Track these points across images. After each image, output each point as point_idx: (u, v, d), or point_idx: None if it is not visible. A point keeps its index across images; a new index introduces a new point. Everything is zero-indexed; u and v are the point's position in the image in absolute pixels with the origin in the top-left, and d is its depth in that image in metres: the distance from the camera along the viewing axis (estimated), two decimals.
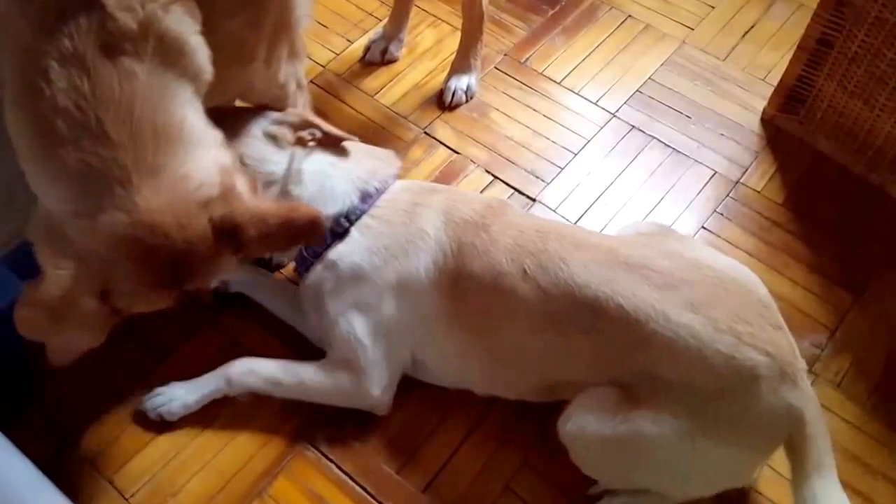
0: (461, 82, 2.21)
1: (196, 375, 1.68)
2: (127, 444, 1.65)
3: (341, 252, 1.57)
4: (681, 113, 2.22)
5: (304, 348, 1.73)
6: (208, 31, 1.26)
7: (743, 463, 1.45)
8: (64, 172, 1.14)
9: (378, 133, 2.17)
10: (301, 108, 1.67)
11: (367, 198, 1.59)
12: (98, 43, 1.11)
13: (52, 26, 1.11)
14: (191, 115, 1.20)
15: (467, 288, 1.52)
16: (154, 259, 1.18)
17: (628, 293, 1.41)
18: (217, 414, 1.68)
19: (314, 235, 1.31)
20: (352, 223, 1.57)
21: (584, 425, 1.45)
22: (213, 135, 1.25)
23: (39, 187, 1.20)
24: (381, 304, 1.56)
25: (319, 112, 1.74)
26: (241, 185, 1.24)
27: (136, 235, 1.15)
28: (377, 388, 1.59)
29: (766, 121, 2.20)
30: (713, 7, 2.48)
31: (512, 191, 2.05)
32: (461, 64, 2.22)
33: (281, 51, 1.51)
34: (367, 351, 1.56)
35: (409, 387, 1.70)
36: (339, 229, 1.57)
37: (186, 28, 1.20)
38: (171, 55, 1.18)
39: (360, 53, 2.33)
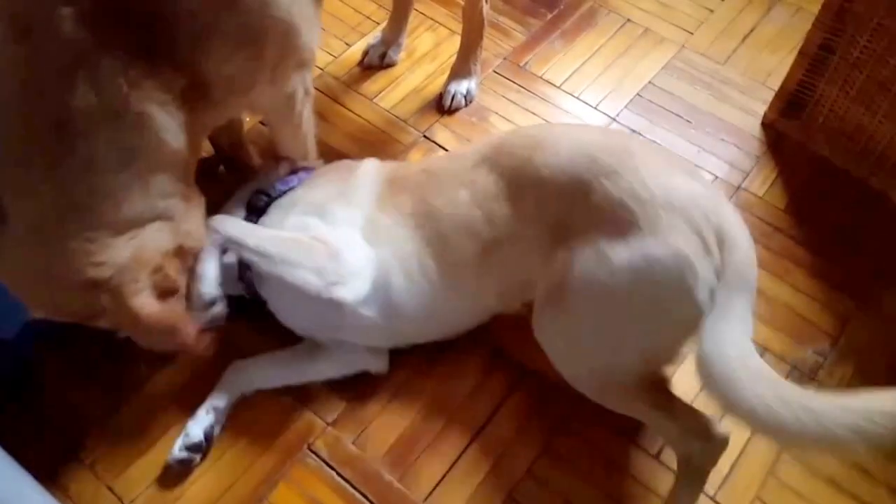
0: (461, 86, 2.20)
1: (194, 380, 1.67)
2: (126, 450, 1.64)
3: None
4: (681, 117, 2.21)
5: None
6: (204, 79, 1.29)
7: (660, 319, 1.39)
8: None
9: (377, 136, 2.16)
10: (307, 115, 1.66)
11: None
12: (53, 119, 1.17)
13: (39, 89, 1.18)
14: (129, 194, 1.24)
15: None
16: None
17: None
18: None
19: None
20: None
21: (543, 316, 1.48)
22: (157, 211, 1.29)
23: None
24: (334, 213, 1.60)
25: (319, 115, 1.73)
26: (146, 280, 1.27)
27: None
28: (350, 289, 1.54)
29: (766, 125, 2.19)
30: (712, 11, 2.47)
31: None
32: (461, 68, 2.21)
33: (287, 67, 1.49)
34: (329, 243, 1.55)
35: (412, 394, 1.71)
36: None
37: (154, 105, 1.22)
38: (128, 134, 1.22)
39: (358, 57, 2.32)
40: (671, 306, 1.36)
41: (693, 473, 1.50)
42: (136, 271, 1.26)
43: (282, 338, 1.72)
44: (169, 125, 1.26)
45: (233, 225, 1.56)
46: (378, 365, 1.71)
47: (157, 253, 1.29)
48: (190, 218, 1.36)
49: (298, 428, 1.67)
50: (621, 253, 1.35)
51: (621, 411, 1.52)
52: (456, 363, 1.76)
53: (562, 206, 1.44)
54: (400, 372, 1.73)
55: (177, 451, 1.60)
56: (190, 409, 1.66)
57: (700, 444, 1.46)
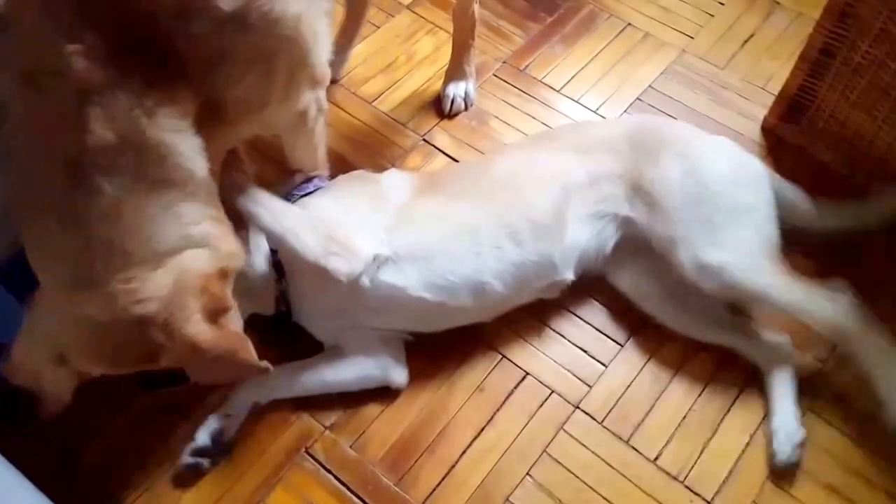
0: (459, 89, 2.20)
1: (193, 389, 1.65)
2: (125, 457, 1.64)
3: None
4: (681, 121, 2.20)
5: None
6: (217, 101, 1.27)
7: None
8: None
9: (376, 140, 2.15)
10: (319, 130, 1.66)
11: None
12: (71, 162, 1.15)
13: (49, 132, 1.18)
14: (159, 226, 1.22)
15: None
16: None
17: None
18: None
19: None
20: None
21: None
22: (191, 239, 1.26)
23: None
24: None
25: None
26: (193, 306, 1.23)
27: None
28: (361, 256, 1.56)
29: (766, 130, 2.18)
30: (712, 16, 2.47)
31: None
32: (455, 71, 2.21)
33: (300, 85, 1.48)
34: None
35: (410, 397, 1.71)
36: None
37: (171, 133, 1.20)
38: (149, 166, 1.19)
39: (358, 60, 2.32)
40: None
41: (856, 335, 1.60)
42: (181, 299, 1.22)
43: (293, 353, 1.72)
44: (189, 152, 1.24)
45: (254, 192, 1.55)
46: (398, 377, 1.71)
47: (198, 278, 1.25)
48: (226, 239, 1.33)
49: (296, 431, 1.67)
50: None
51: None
52: (455, 366, 1.77)
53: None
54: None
55: (185, 456, 1.60)
56: (190, 417, 1.66)
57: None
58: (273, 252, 1.62)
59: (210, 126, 1.29)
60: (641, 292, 1.79)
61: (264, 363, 1.30)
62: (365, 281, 1.58)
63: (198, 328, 1.22)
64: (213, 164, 1.32)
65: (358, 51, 2.34)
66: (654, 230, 1.69)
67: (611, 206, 1.73)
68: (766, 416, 1.69)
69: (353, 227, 1.60)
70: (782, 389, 1.69)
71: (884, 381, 1.57)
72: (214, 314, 1.25)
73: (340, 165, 2.05)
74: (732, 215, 1.66)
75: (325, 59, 1.50)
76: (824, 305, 1.60)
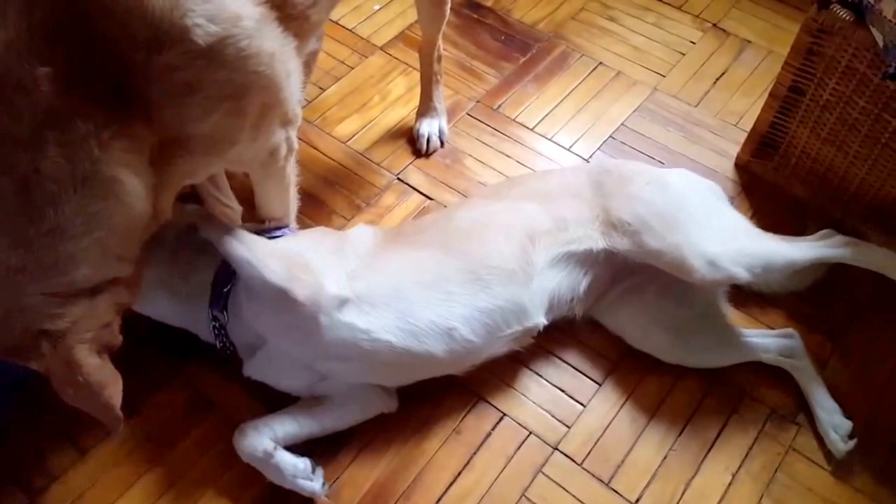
0: (432, 127, 2.20)
1: (167, 431, 1.67)
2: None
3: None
4: (654, 158, 2.21)
5: (270, 397, 1.68)
6: (181, 136, 1.26)
7: None
8: None
9: (350, 179, 2.15)
10: (289, 170, 1.65)
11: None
12: (21, 183, 1.15)
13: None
14: (90, 258, 1.23)
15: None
16: None
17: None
18: (182, 476, 1.64)
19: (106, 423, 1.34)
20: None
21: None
22: (114, 273, 1.28)
23: None
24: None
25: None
26: (92, 334, 1.27)
27: None
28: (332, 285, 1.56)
29: (740, 166, 2.20)
30: (683, 54, 2.50)
31: None
32: (426, 108, 2.22)
33: (271, 124, 1.46)
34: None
35: (386, 441, 1.69)
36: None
37: (121, 168, 1.20)
38: (93, 199, 1.19)
39: (333, 100, 2.33)
40: None
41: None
42: (86, 327, 1.26)
43: (251, 386, 1.68)
44: (136, 189, 1.23)
45: (221, 223, 1.55)
46: (390, 402, 1.69)
47: (107, 312, 1.29)
48: (134, 280, 1.36)
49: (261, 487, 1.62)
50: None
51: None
52: (431, 408, 1.74)
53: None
54: (374, 418, 1.69)
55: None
56: (155, 458, 1.63)
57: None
58: (220, 283, 1.60)
59: (170, 160, 1.28)
60: (637, 331, 1.79)
61: (120, 415, 1.31)
62: (325, 320, 1.54)
63: (82, 354, 1.26)
64: (165, 199, 1.33)
65: (332, 91, 2.35)
66: (648, 249, 1.69)
67: (583, 244, 1.73)
68: (810, 409, 1.73)
69: (317, 265, 1.58)
70: (812, 386, 1.74)
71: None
72: (104, 348, 1.29)
73: (315, 205, 2.06)
74: (712, 212, 1.76)
75: (296, 99, 1.48)
76: (825, 245, 1.75)
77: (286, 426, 1.61)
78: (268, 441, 1.57)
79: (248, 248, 1.52)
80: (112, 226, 1.23)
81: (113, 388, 1.31)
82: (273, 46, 1.31)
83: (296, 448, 1.61)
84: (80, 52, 1.13)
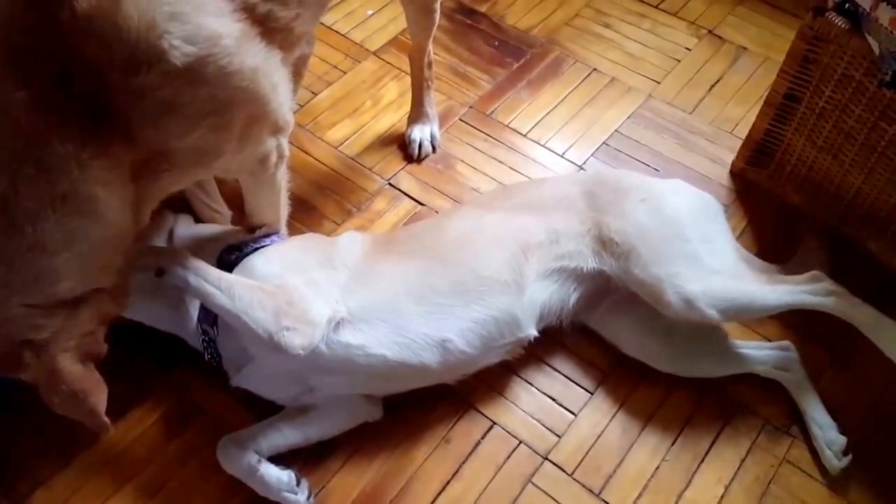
0: (424, 132, 2.19)
1: (153, 437, 1.66)
2: None
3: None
4: (648, 166, 2.20)
5: (256, 404, 1.67)
6: (163, 150, 1.27)
7: None
8: None
9: (342, 184, 2.13)
10: (279, 177, 1.65)
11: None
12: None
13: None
14: (70, 271, 1.24)
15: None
16: None
17: None
18: (168, 482, 1.62)
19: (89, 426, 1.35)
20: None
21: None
22: (95, 284, 1.29)
23: None
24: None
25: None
26: (73, 344, 1.29)
27: None
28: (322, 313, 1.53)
29: (735, 174, 2.18)
30: (679, 61, 2.48)
31: None
32: (418, 113, 2.21)
33: (260, 134, 1.45)
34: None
35: (375, 448, 1.67)
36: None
37: (100, 186, 1.21)
38: (71, 216, 1.21)
39: (325, 105, 2.32)
40: None
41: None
42: (67, 336, 1.28)
43: (238, 391, 1.66)
44: (115, 205, 1.25)
45: (196, 266, 1.51)
46: (374, 411, 1.68)
47: (89, 322, 1.30)
48: (118, 289, 1.37)
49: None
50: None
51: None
52: (420, 416, 1.72)
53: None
54: (361, 425, 1.67)
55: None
56: (141, 465, 1.62)
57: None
58: None
59: (153, 173, 1.30)
60: (632, 339, 1.78)
61: (106, 420, 1.32)
62: (321, 346, 1.52)
63: (66, 362, 1.27)
64: (146, 209, 1.35)
65: (324, 96, 2.34)
66: (631, 276, 1.67)
67: (574, 261, 1.71)
68: (804, 424, 1.71)
69: (305, 290, 1.55)
70: (807, 400, 1.72)
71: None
72: (87, 356, 1.31)
73: (305, 209, 2.05)
74: (704, 244, 1.69)
75: (286, 108, 1.47)
76: (807, 292, 1.67)
77: (270, 438, 1.60)
78: (252, 454, 1.57)
79: (229, 296, 1.48)
80: (92, 241, 1.24)
81: (97, 394, 1.31)
82: (256, 61, 1.31)
83: (283, 455, 1.60)
84: (58, 73, 1.14)
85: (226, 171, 1.59)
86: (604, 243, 1.70)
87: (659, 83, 2.42)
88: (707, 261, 1.67)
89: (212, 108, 1.27)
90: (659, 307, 1.66)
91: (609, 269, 1.70)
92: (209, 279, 1.49)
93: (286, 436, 1.62)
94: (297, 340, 1.48)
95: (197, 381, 1.74)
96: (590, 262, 1.71)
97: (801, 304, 1.66)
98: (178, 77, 1.19)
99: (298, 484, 1.57)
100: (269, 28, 1.34)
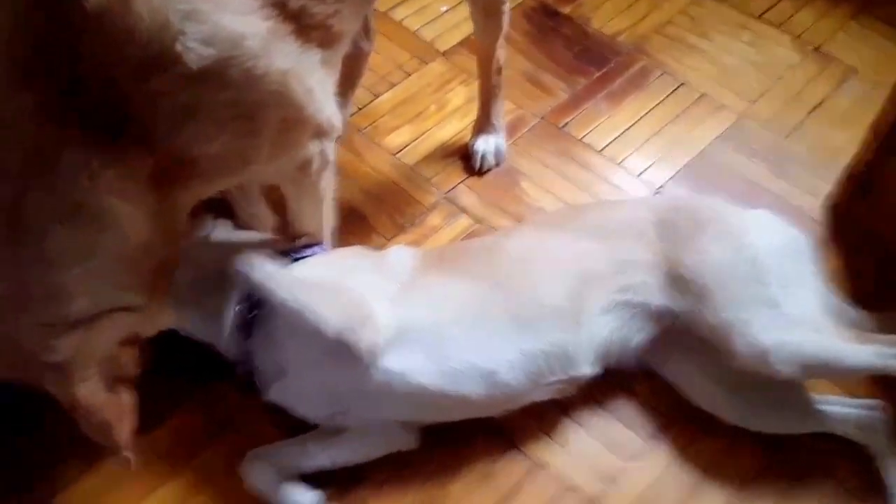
0: (489, 144, 2.10)
1: (183, 451, 1.64)
2: None
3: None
4: (733, 193, 2.01)
5: (287, 422, 1.61)
6: (186, 158, 1.23)
7: None
8: None
9: (395, 195, 2.07)
10: (323, 185, 1.59)
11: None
12: (8, 213, 1.16)
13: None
14: (85, 291, 1.21)
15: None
16: None
17: None
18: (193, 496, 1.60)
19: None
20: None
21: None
22: (112, 304, 1.25)
23: None
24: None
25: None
26: (95, 369, 1.27)
27: None
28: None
29: (830, 208, 2.01)
30: (778, 78, 2.31)
31: None
32: (484, 123, 2.11)
33: (297, 140, 1.40)
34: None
35: (408, 479, 1.62)
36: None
37: (113, 196, 1.18)
38: (82, 228, 1.18)
39: (385, 108, 2.25)
40: None
41: None
42: (86, 360, 1.25)
43: (276, 409, 1.61)
44: (132, 216, 1.21)
45: (261, 266, 1.46)
46: (410, 440, 1.61)
47: (109, 344, 1.28)
48: (150, 308, 1.33)
49: None
50: None
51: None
52: (458, 449, 1.64)
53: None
54: (396, 453, 1.60)
55: None
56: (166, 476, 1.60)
57: None
58: (250, 307, 1.53)
59: (176, 182, 1.25)
60: (699, 387, 1.66)
61: (128, 456, 1.31)
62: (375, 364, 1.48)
63: (88, 390, 1.26)
64: (173, 221, 1.31)
65: (386, 98, 2.27)
66: (702, 319, 1.56)
67: (640, 295, 1.60)
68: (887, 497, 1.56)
69: (366, 296, 1.51)
70: (892, 469, 1.57)
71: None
72: (115, 381, 1.29)
73: (354, 220, 1.98)
74: (786, 288, 1.55)
75: (328, 111, 1.41)
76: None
77: (295, 459, 1.57)
78: (274, 473, 1.54)
79: (296, 296, 1.44)
80: (107, 255, 1.21)
81: (120, 426, 1.30)
82: (287, 63, 1.26)
83: (314, 478, 1.55)
84: (67, 77, 1.11)
85: (261, 179, 1.55)
86: (674, 279, 1.59)
87: (754, 102, 2.26)
88: (787, 309, 1.52)
89: (236, 113, 1.22)
90: (727, 357, 1.53)
91: (678, 309, 1.58)
92: (273, 276, 1.45)
93: (313, 457, 1.57)
94: (363, 342, 1.44)
95: (227, 398, 1.71)
96: (657, 299, 1.59)
97: (889, 371, 1.50)
98: (195, 81, 1.14)
99: None
100: (303, 25, 1.28)
